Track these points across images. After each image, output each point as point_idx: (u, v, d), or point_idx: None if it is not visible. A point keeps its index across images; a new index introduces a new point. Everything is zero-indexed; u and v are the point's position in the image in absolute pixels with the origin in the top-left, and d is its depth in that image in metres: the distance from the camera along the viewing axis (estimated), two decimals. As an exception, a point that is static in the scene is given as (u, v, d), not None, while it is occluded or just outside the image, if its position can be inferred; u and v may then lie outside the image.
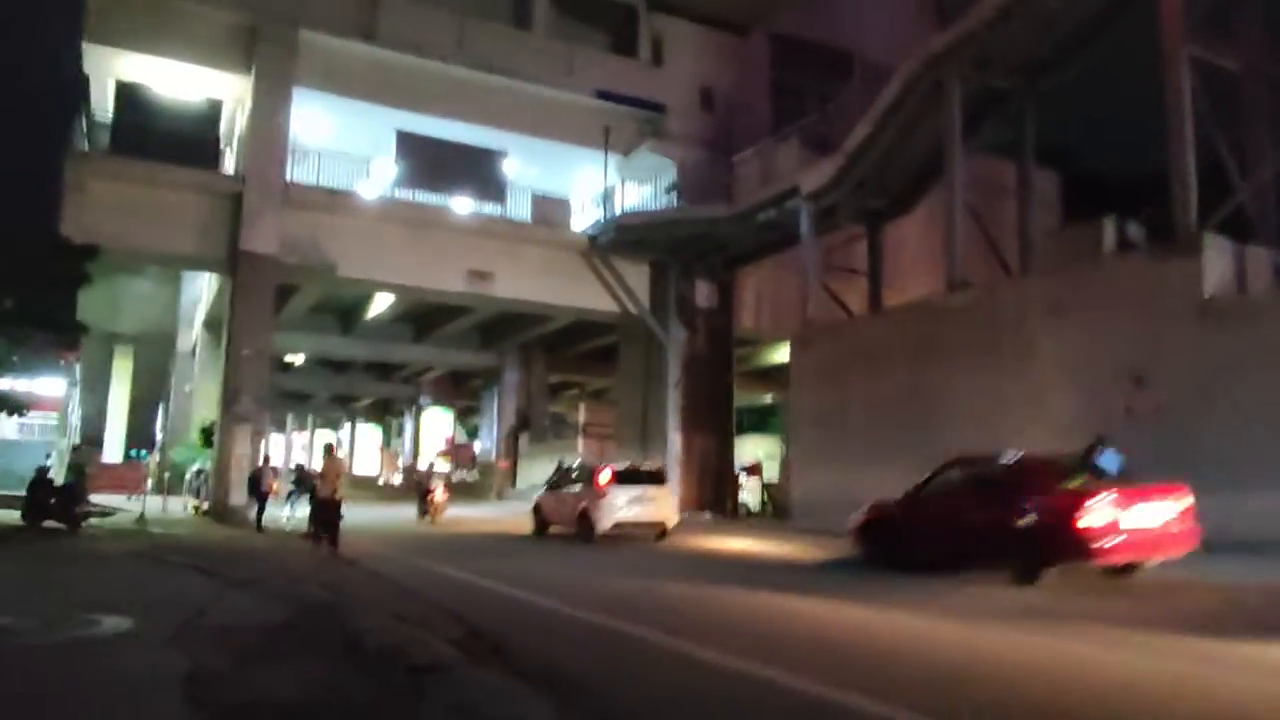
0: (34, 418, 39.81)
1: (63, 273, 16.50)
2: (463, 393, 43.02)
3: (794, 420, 19.78)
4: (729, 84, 25.48)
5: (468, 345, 33.55)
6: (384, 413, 54.09)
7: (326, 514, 12.95)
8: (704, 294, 24.03)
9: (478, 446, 37.88)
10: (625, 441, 24.77)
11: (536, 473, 31.76)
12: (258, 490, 16.54)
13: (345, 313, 31.39)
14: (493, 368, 34.29)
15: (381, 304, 28.27)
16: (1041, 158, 18.74)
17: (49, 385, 34.35)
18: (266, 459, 17.68)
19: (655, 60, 24.86)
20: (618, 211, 24.12)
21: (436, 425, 43.19)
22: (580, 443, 29.19)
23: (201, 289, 29.89)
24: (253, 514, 16.63)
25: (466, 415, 45.45)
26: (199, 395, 28.77)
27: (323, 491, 13.09)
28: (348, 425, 56.56)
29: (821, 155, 19.06)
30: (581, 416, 30.72)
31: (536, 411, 33.86)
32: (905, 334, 16.82)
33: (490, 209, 23.20)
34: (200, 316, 29.71)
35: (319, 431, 57.85)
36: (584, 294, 23.51)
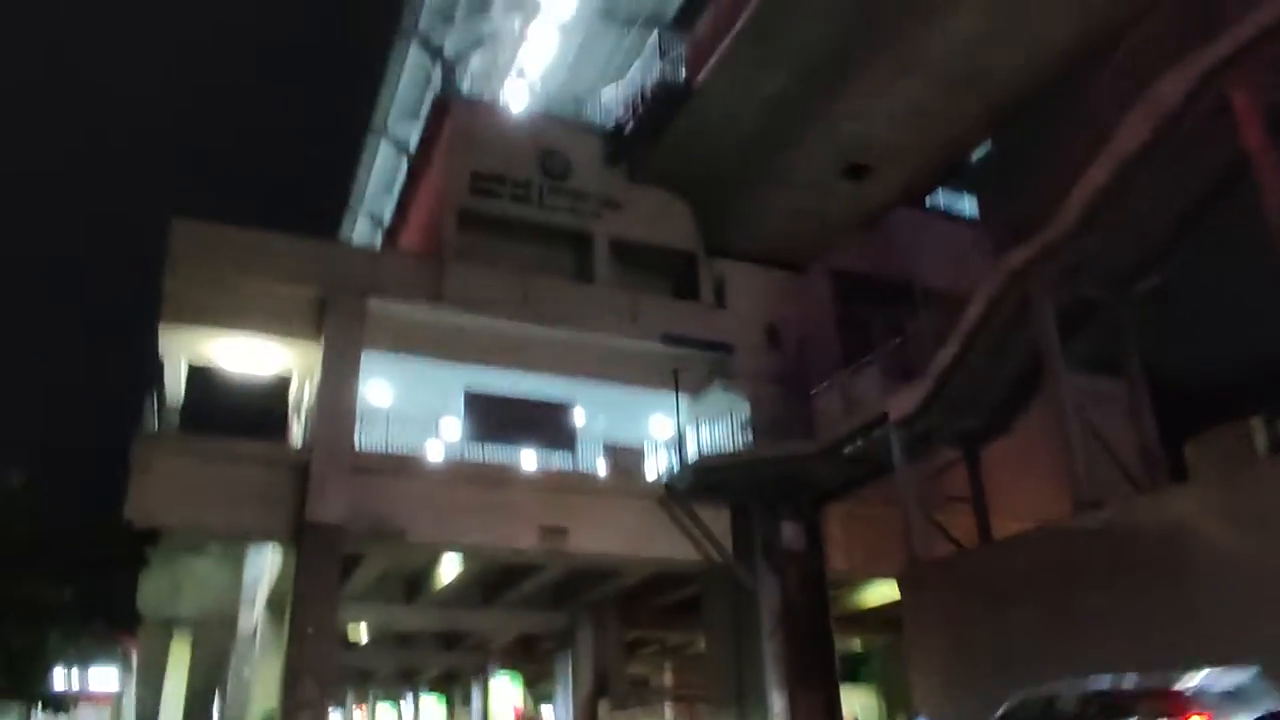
0: (86, 715, 38.10)
1: (124, 560, 15.71)
2: (534, 657, 40.41)
3: (916, 667, 17.56)
4: (794, 320, 25.26)
5: (538, 607, 31.65)
6: (449, 683, 51.11)
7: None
8: (791, 536, 22.47)
9: (551, 715, 34.95)
10: (719, 704, 22.41)
11: (620, 745, 28.88)
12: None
13: (411, 581, 30.02)
14: (565, 629, 32.17)
15: (449, 569, 26.93)
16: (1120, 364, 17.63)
17: (103, 677, 33.05)
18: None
19: (718, 301, 24.82)
20: (691, 455, 23.15)
21: (505, 694, 40.27)
22: (668, 708, 26.53)
23: (264, 567, 28.98)
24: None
25: (538, 682, 42.52)
26: (259, 680, 27.07)
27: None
28: (410, 697, 53.38)
29: (905, 381, 18.17)
30: (666, 678, 28.17)
31: (615, 674, 31.29)
32: (1031, 562, 15.09)
33: (561, 461, 22.37)
34: (262, 596, 28.57)
35: (379, 705, 54.68)
36: (663, 544, 22.09)
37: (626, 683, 32.15)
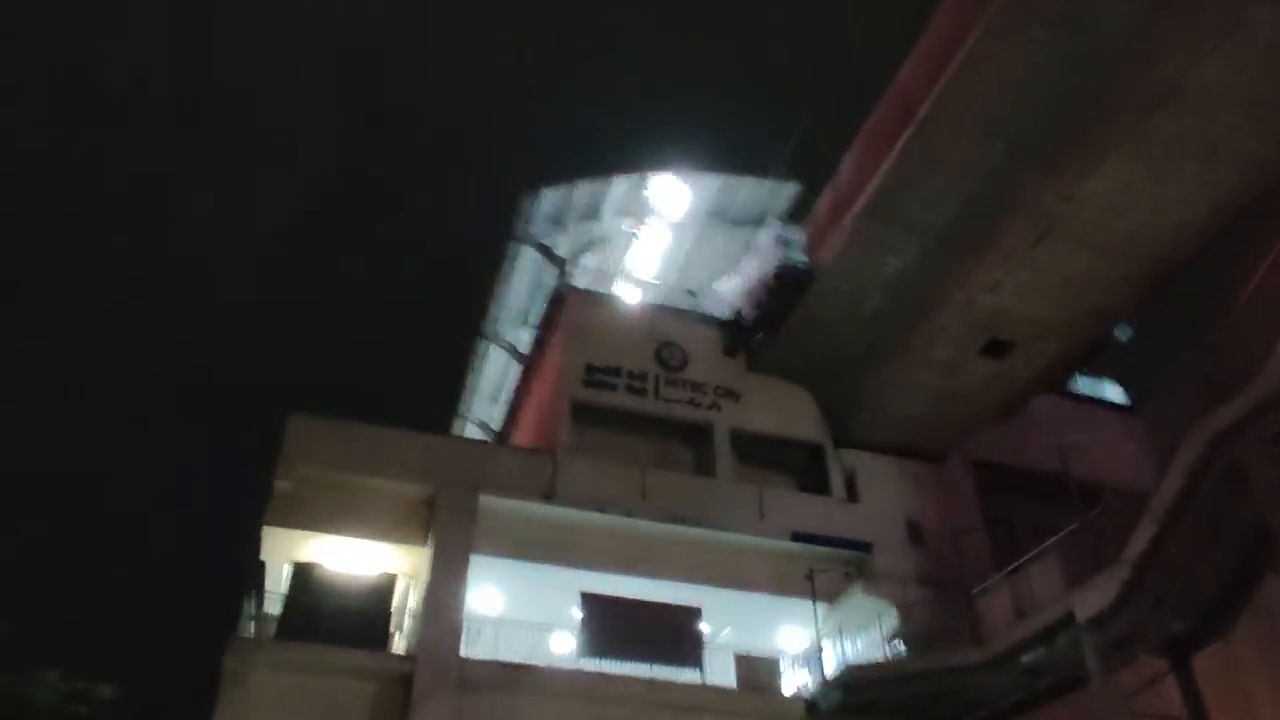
0: None
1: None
2: None
3: None
4: (934, 515, 22.96)
5: None
6: None
7: None
8: (959, 768, 19.06)
9: None
10: None
11: None
12: None
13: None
14: None
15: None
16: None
17: None
18: None
19: (850, 496, 22.78)
20: (832, 669, 20.35)
21: None
22: None
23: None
24: None
25: None
26: None
27: None
28: None
29: (1091, 575, 15.57)
30: None
31: None
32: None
33: (687, 676, 19.82)
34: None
35: None
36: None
37: None
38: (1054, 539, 17.06)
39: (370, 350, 71.81)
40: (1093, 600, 15.26)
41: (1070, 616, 15.58)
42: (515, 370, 30.02)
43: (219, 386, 68.39)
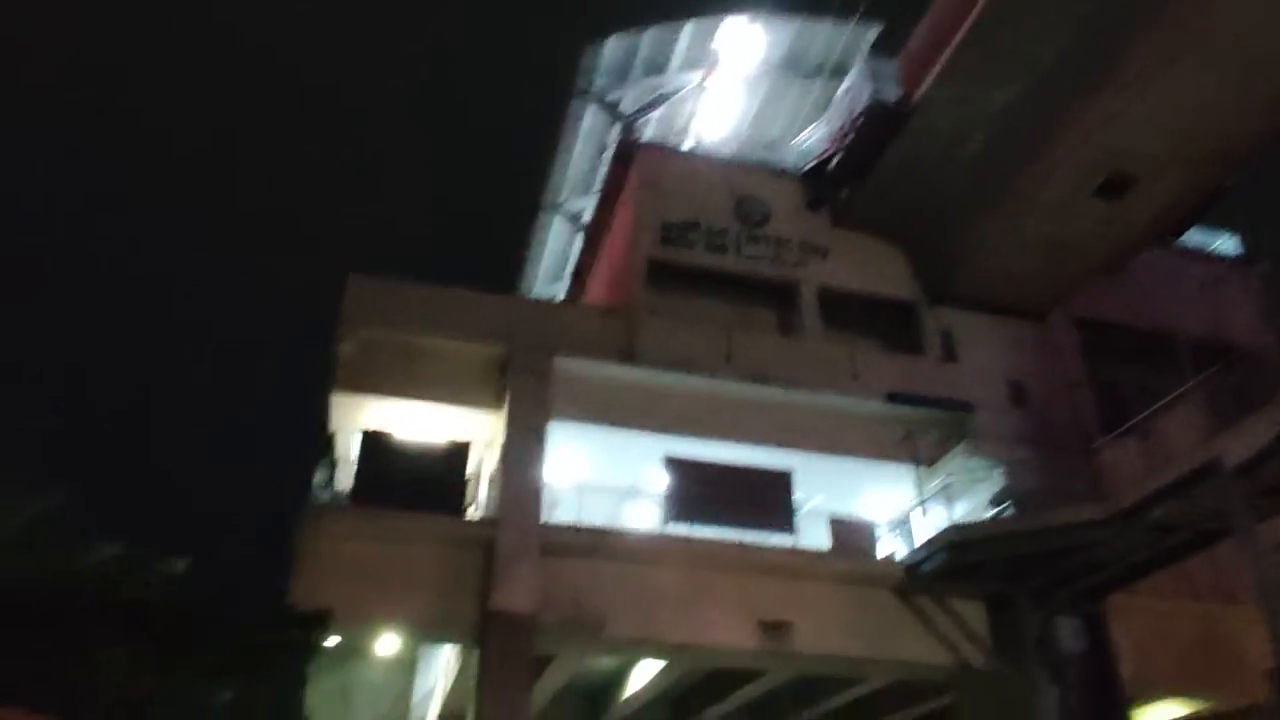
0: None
1: (292, 650, 13.23)
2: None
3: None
4: (1038, 375, 21.38)
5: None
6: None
7: None
8: (1070, 634, 17.94)
9: None
10: None
11: None
12: None
13: (593, 697, 26.62)
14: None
15: (640, 681, 23.45)
16: None
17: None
18: None
19: (947, 356, 21.22)
20: (928, 536, 19.18)
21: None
22: None
23: (436, 680, 26.26)
24: None
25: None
26: (432, 808, 24.03)
27: None
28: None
29: (1243, 415, 13.98)
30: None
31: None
32: None
33: (779, 542, 18.79)
34: (435, 711, 25.73)
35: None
36: (907, 643, 18.05)
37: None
38: (1194, 382, 15.43)
39: (423, 232, 70.93)
40: (1242, 445, 13.72)
41: (1215, 463, 14.07)
42: (579, 243, 28.66)
43: (282, 257, 68.27)
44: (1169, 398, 15.66)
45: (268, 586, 16.09)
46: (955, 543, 17.09)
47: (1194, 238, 26.29)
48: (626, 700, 25.02)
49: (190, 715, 12.94)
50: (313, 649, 13.44)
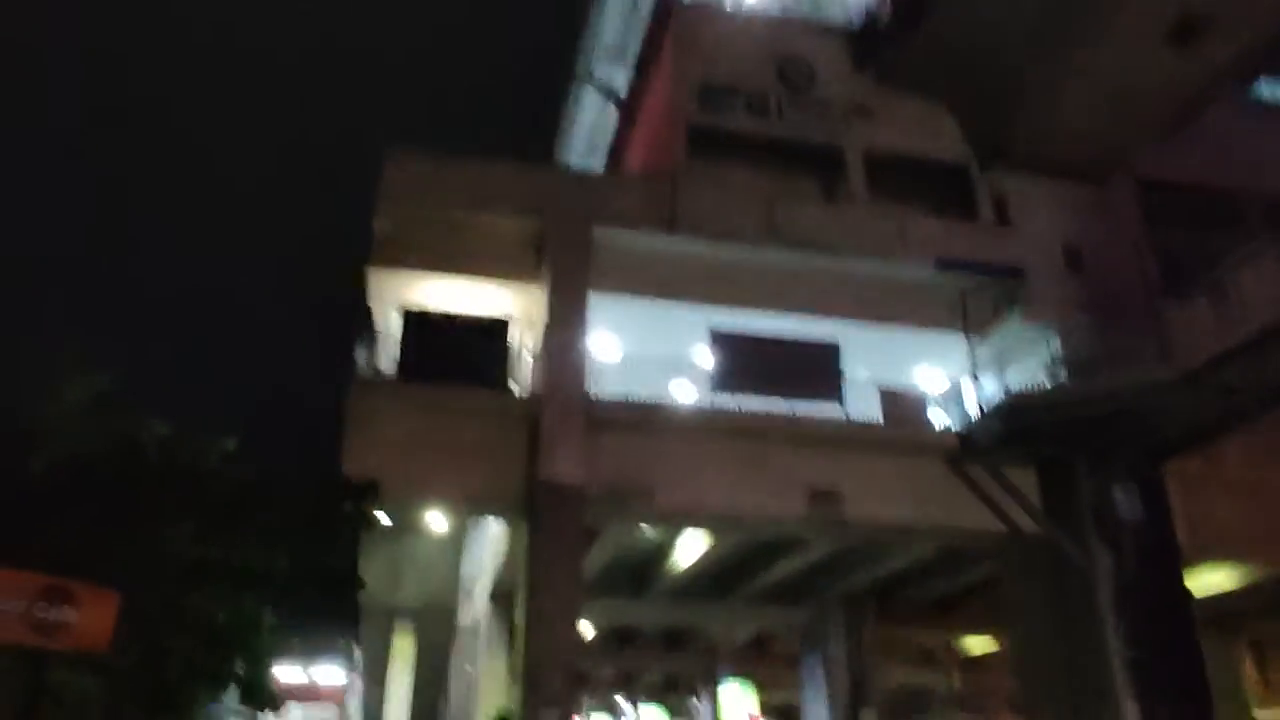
0: (315, 711, 37.52)
1: (343, 518, 13.27)
2: (767, 660, 36.69)
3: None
4: (1095, 239, 20.44)
5: (779, 601, 28.03)
6: (668, 691, 48.07)
7: None
8: (1126, 501, 17.65)
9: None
10: (1039, 715, 17.89)
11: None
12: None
13: (638, 571, 27.04)
14: (811, 627, 28.27)
15: (689, 551, 23.72)
16: None
17: (329, 674, 32.02)
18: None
19: (999, 219, 20.37)
20: (980, 406, 18.77)
21: (738, 702, 36.66)
22: None
23: (484, 557, 26.77)
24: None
25: (771, 688, 38.71)
26: (486, 680, 24.77)
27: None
28: (627, 708, 50.54)
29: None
30: (954, 681, 23.60)
31: (871, 680, 27.06)
32: None
33: (828, 412, 18.50)
34: (484, 589, 26.33)
35: (594, 717, 52.19)
36: (957, 510, 17.88)
37: (885, 689, 27.79)
38: (1270, 238, 14.61)
39: (458, 108, 69.42)
40: (1326, 298, 13.03)
41: (1293, 319, 13.42)
42: (613, 117, 27.63)
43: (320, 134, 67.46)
44: (1242, 253, 14.85)
45: (318, 464, 16.16)
46: (1013, 408, 16.71)
47: (1264, 90, 24.81)
48: (672, 574, 25.41)
49: (250, 585, 13.05)
50: (365, 519, 13.44)
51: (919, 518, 17.84)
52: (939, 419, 19.60)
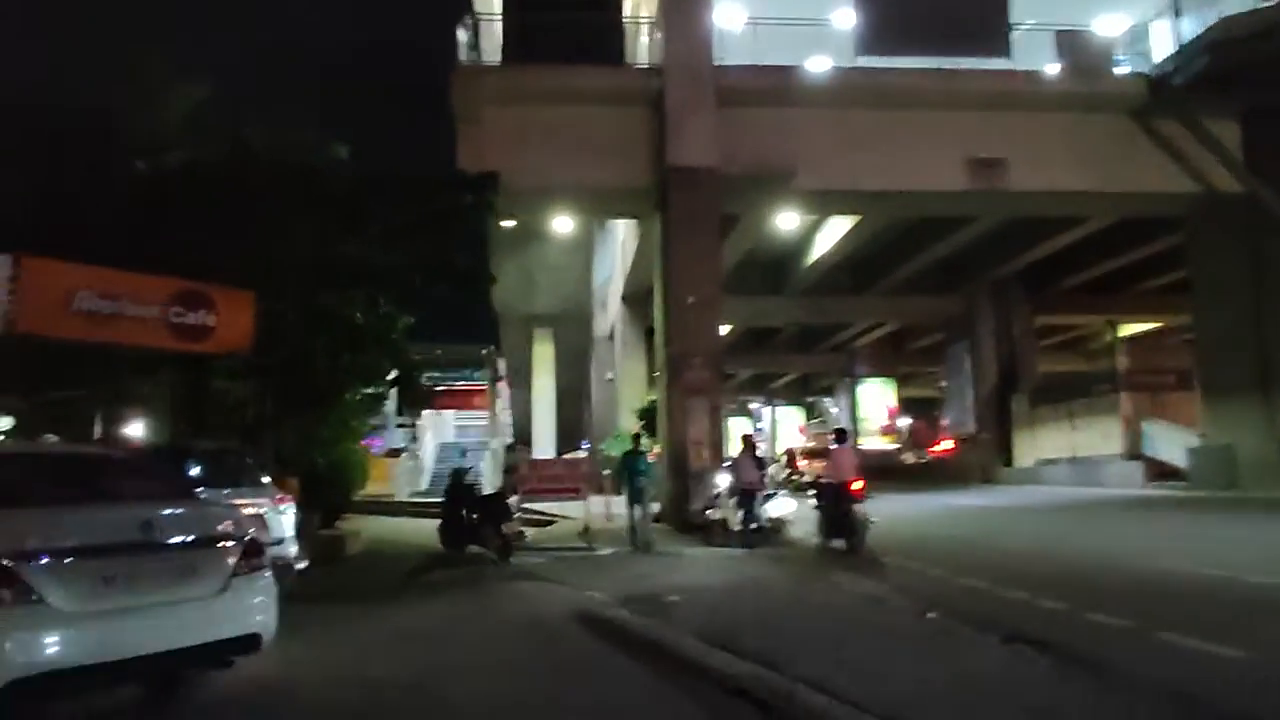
0: (471, 419, 39.80)
1: (465, 210, 12.54)
2: (902, 357, 36.23)
3: None
4: None
5: (924, 291, 26.88)
6: (802, 391, 48.82)
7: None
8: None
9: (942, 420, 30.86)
10: (1219, 388, 16.61)
11: (1045, 444, 24.17)
12: (739, 488, 11.13)
13: (775, 267, 26.12)
14: (959, 317, 27.15)
15: (825, 243, 22.48)
16: None
17: (477, 383, 33.37)
18: (749, 441, 12.14)
19: None
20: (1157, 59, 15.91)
21: (877, 397, 36.76)
22: (1124, 400, 20.88)
23: (613, 264, 26.23)
24: (732, 519, 11.32)
25: (904, 384, 38.65)
26: (624, 381, 25.05)
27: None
28: (763, 409, 51.67)
29: None
30: (1120, 362, 22.24)
31: (1025, 365, 26.10)
32: None
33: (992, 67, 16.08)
34: (616, 293, 26.01)
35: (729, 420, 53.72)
36: (1135, 174, 15.75)
37: (1035, 375, 26.85)
38: None
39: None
40: None
41: None
42: None
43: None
44: None
45: (432, 160, 15.26)
46: (1220, 41, 13.99)
47: None
48: (811, 266, 24.38)
49: (378, 284, 12.69)
50: (489, 208, 12.65)
51: (1096, 183, 15.81)
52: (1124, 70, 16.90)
